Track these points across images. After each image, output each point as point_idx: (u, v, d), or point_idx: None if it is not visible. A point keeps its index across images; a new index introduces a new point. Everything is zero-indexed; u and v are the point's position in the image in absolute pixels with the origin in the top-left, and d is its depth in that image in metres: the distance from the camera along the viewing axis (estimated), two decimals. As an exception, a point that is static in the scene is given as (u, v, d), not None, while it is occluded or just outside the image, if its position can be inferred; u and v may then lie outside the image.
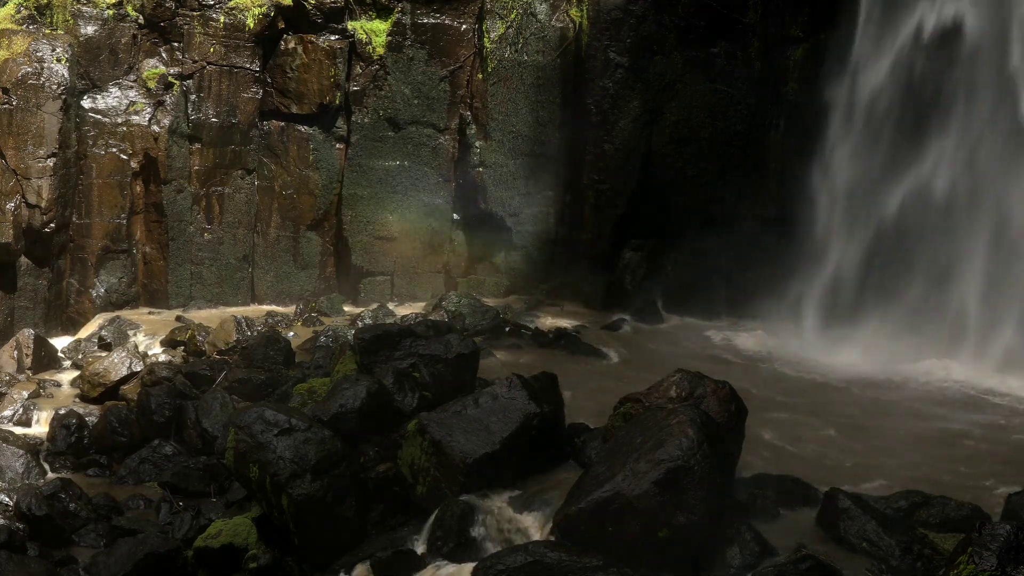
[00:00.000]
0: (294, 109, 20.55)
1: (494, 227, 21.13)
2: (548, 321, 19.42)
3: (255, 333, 17.49)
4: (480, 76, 20.88)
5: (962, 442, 13.94)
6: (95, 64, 19.68)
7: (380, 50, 20.68)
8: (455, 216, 21.25)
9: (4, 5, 19.53)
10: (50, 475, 14.30)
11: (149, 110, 19.86)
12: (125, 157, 19.74)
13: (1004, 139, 17.61)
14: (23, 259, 18.80)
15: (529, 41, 20.85)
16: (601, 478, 10.08)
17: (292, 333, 18.18)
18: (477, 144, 20.92)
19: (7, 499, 13.05)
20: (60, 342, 18.47)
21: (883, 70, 18.75)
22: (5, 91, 18.47)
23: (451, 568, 10.44)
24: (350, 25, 20.64)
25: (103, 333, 18.30)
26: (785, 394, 15.97)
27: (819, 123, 19.54)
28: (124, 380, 16.20)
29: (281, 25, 20.41)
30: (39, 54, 18.65)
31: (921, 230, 18.21)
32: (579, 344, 17.82)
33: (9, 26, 19.18)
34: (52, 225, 18.76)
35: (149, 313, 19.84)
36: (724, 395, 11.21)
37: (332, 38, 20.58)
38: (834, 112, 19.39)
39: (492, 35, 20.73)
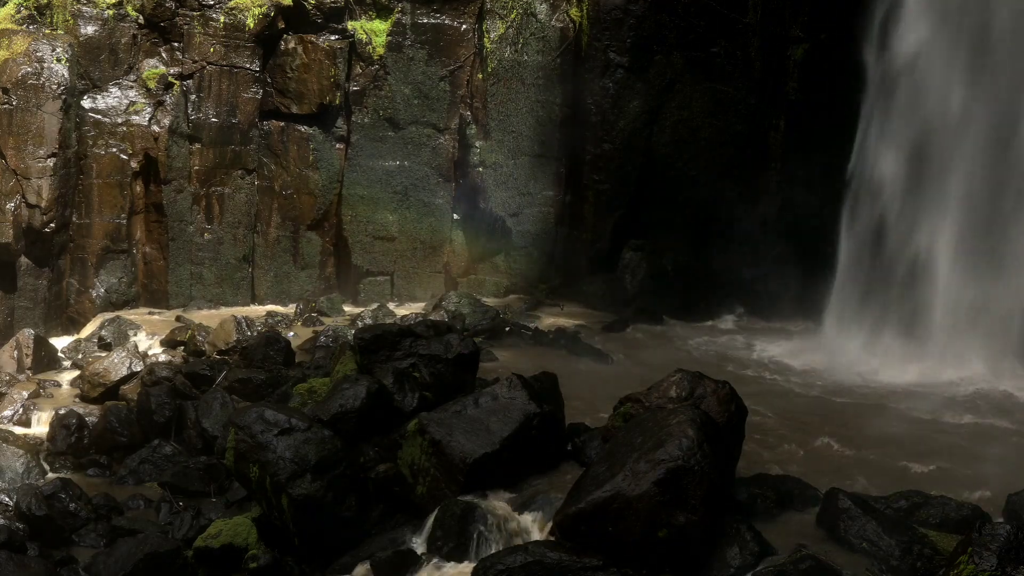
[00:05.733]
0: (294, 109, 20.56)
1: (494, 227, 21.13)
2: (548, 321, 19.43)
3: (255, 333, 17.49)
4: (480, 76, 20.89)
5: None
6: (95, 64, 19.68)
7: (380, 50, 20.68)
8: (455, 216, 21.25)
9: (4, 5, 19.53)
10: (50, 475, 14.29)
11: (149, 110, 19.87)
12: (125, 157, 19.74)
13: None
14: (23, 259, 18.80)
15: (529, 41, 20.85)
16: (601, 478, 10.08)
17: (292, 333, 18.18)
18: (477, 144, 20.93)
19: (7, 499, 13.05)
20: (60, 342, 18.46)
21: None
22: (5, 91, 18.47)
23: (451, 568, 10.44)
24: (350, 25, 20.65)
25: (103, 333, 18.30)
26: (786, 394, 15.98)
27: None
28: (124, 380, 16.19)
29: (281, 25, 20.41)
30: (39, 54, 18.65)
31: None
32: (579, 344, 17.81)
33: (9, 26, 19.18)
34: (52, 225, 18.76)
35: (149, 313, 19.84)
36: (724, 395, 11.21)
37: (332, 38, 20.58)
38: None
39: (492, 35, 20.73)
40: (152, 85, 19.93)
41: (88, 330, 18.82)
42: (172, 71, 20.11)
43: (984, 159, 17.58)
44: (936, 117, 17.92)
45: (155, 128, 19.86)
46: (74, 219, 19.52)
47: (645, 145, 20.80)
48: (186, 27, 20.15)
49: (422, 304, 20.36)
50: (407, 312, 19.35)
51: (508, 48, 20.81)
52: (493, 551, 10.37)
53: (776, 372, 17.20)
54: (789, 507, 11.00)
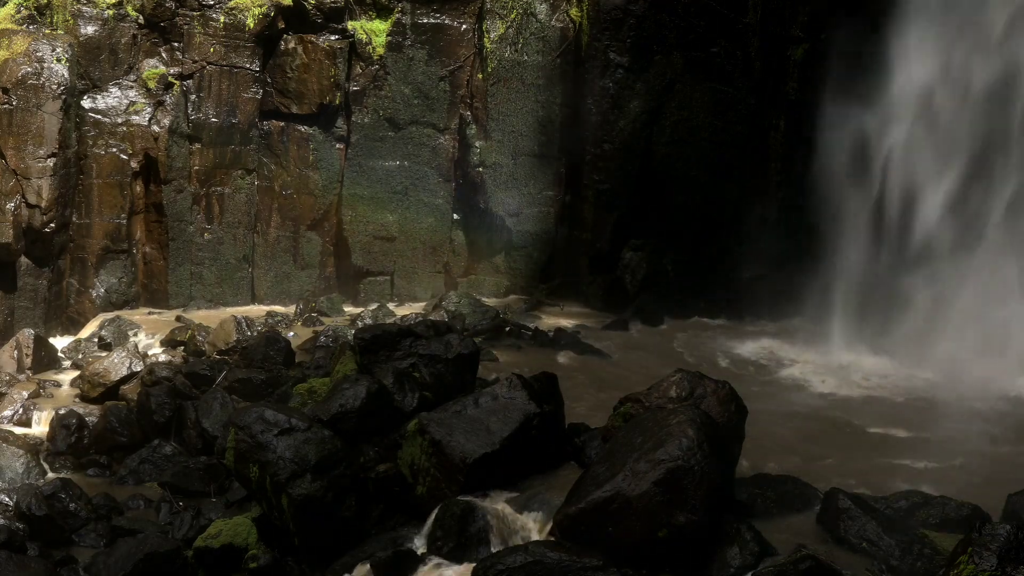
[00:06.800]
0: (294, 109, 20.55)
1: (494, 227, 21.13)
2: (548, 321, 19.43)
3: (255, 333, 17.49)
4: (480, 76, 20.88)
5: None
6: (95, 64, 19.68)
7: (380, 50, 20.68)
8: (455, 216, 21.25)
9: (4, 5, 19.53)
10: (50, 475, 14.30)
11: (149, 110, 19.86)
12: (125, 157, 19.74)
13: None
14: (23, 259, 18.80)
15: (529, 41, 20.85)
16: (601, 478, 10.08)
17: (292, 333, 18.18)
18: (477, 144, 20.93)
19: (7, 499, 13.05)
20: (60, 342, 18.47)
21: None
22: (5, 91, 18.47)
23: (451, 568, 10.44)
24: (350, 25, 20.64)
25: (103, 333, 18.30)
26: (786, 394, 15.98)
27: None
28: (124, 380, 16.20)
29: (281, 25, 20.41)
30: (39, 54, 18.65)
31: None
32: (579, 344, 17.81)
33: (9, 26, 19.18)
34: (52, 225, 18.76)
35: (149, 313, 19.83)
36: (724, 395, 11.21)
37: (332, 38, 20.58)
38: None
39: (492, 35, 20.72)
40: (152, 85, 19.93)
41: (88, 330, 18.82)
42: (172, 71, 20.11)
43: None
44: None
45: (155, 128, 19.86)
46: (74, 219, 19.52)
47: (645, 145, 20.78)
48: (186, 27, 20.14)
49: (422, 304, 20.36)
50: (407, 312, 19.35)
51: (508, 48, 20.80)
52: (493, 551, 10.37)
53: (776, 372, 17.21)
54: (789, 507, 10.99)
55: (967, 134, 18.06)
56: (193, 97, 20.16)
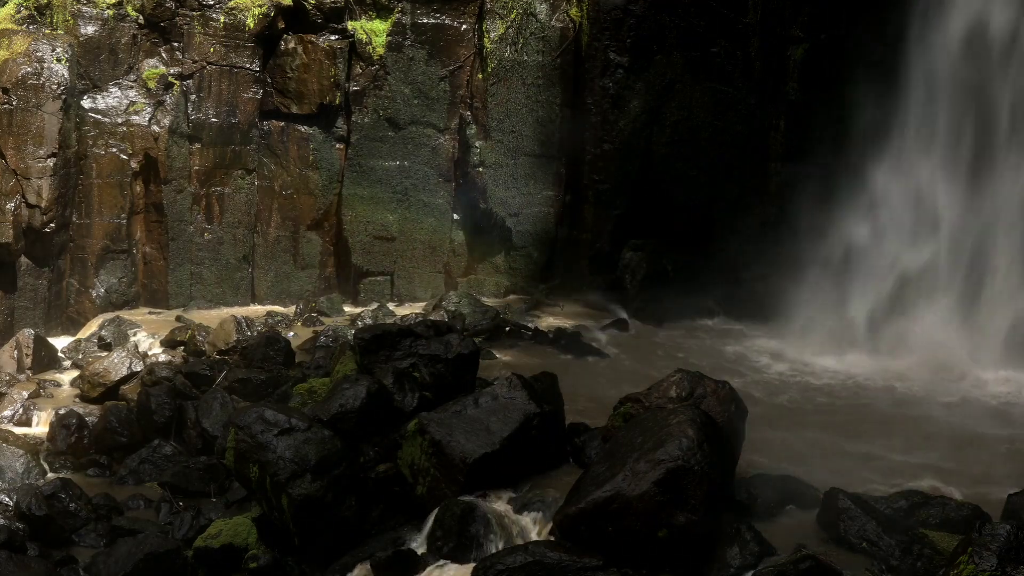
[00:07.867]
0: (294, 109, 20.54)
1: (494, 227, 21.12)
2: (548, 321, 19.43)
3: (255, 333, 17.49)
4: (480, 76, 20.88)
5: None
6: (95, 64, 19.68)
7: (380, 50, 20.67)
8: (455, 216, 21.24)
9: (4, 5, 19.53)
10: (50, 475, 14.30)
11: (149, 110, 19.86)
12: (125, 157, 19.73)
13: None
14: (23, 259, 18.79)
15: (529, 41, 20.85)
16: (601, 478, 10.09)
17: (292, 333, 18.19)
18: (477, 144, 20.92)
19: (7, 499, 13.06)
20: (60, 342, 18.46)
21: None
22: (5, 91, 18.46)
23: (451, 568, 10.45)
24: (350, 25, 20.64)
25: (103, 333, 18.30)
26: (786, 394, 15.99)
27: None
28: (124, 380, 16.19)
29: (281, 25, 20.41)
30: (39, 54, 18.65)
31: None
32: (579, 344, 17.82)
33: (9, 26, 19.18)
34: (52, 225, 18.76)
35: (149, 313, 19.82)
36: (724, 395, 11.23)
37: (332, 38, 20.57)
38: None
39: (492, 35, 20.72)
40: (152, 85, 19.93)
41: (88, 330, 18.81)
42: (172, 71, 20.11)
43: None
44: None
45: (155, 128, 19.85)
46: (74, 219, 19.51)
47: (645, 145, 20.79)
48: (186, 27, 20.14)
49: (422, 304, 20.35)
50: (407, 312, 19.35)
51: (508, 48, 20.80)
52: (493, 551, 10.38)
53: (776, 372, 17.22)
54: (789, 507, 11.01)
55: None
56: (193, 97, 20.16)
